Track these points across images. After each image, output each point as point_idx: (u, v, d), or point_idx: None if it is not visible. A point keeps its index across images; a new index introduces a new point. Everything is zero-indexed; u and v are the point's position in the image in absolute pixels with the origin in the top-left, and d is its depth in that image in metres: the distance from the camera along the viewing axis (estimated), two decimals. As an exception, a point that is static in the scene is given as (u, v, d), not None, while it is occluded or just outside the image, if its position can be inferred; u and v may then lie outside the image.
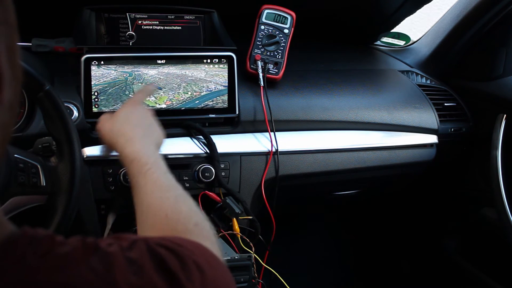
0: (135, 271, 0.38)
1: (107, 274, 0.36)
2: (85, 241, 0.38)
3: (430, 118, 1.27)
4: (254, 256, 0.94)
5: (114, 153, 0.97)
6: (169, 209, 0.65)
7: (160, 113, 1.00)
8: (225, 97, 1.04)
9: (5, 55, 0.32)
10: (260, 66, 1.08)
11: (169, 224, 0.63)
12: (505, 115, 1.24)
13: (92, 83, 0.95)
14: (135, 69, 0.98)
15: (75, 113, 0.93)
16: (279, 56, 1.11)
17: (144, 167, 0.71)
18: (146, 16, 1.08)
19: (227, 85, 1.04)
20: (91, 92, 0.96)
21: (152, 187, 0.68)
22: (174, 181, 0.71)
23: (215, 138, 1.03)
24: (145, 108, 0.87)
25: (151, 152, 0.75)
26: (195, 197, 0.78)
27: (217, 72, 1.03)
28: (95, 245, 0.38)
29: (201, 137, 1.04)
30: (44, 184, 0.77)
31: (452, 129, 1.31)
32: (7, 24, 0.32)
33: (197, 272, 0.42)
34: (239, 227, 0.97)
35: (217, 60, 1.03)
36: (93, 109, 0.96)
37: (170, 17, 1.09)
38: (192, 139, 1.04)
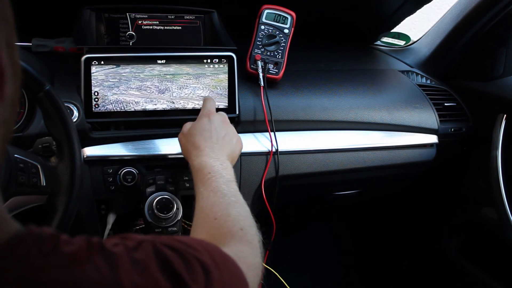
0: (139, 271, 0.38)
1: (111, 273, 0.36)
2: (90, 240, 0.38)
3: (430, 118, 1.27)
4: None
5: (114, 154, 0.98)
6: (218, 213, 0.69)
7: (160, 113, 1.00)
8: (225, 97, 1.04)
9: (5, 51, 0.32)
10: (260, 66, 1.08)
11: (215, 226, 0.68)
12: (505, 115, 1.24)
13: (92, 83, 0.95)
14: (135, 69, 0.98)
15: (75, 113, 0.93)
16: (279, 56, 1.11)
17: (205, 176, 0.76)
18: (146, 16, 1.08)
19: (227, 85, 1.04)
20: (91, 92, 0.96)
21: (209, 193, 0.74)
22: (233, 189, 0.76)
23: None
24: (220, 118, 0.89)
25: (218, 162, 0.79)
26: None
27: (217, 72, 1.03)
28: (100, 244, 0.38)
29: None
30: (44, 184, 0.77)
31: (452, 129, 1.31)
32: (5, 21, 0.32)
33: (202, 273, 0.42)
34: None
35: (217, 60, 1.03)
36: (93, 109, 0.96)
37: (170, 17, 1.09)
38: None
